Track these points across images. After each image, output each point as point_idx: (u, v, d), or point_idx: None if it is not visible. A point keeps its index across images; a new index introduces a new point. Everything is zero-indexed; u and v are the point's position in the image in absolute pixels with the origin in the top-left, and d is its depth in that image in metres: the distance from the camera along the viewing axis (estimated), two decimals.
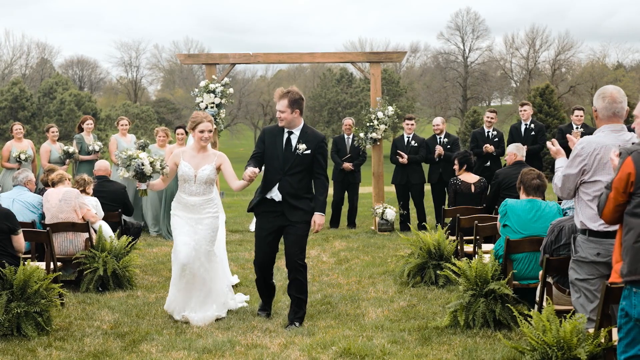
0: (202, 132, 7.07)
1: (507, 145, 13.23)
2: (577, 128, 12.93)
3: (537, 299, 6.11)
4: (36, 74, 68.11)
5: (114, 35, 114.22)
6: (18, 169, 13.03)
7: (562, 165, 5.47)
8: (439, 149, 12.85)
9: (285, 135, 6.84)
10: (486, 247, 8.28)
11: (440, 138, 13.25)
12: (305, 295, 7.00)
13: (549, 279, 6.03)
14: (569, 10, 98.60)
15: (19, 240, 7.00)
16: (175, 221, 7.22)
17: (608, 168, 5.02)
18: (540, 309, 5.88)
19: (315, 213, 6.84)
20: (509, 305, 6.46)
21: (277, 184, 6.81)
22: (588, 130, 13.02)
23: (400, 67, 72.97)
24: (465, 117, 55.35)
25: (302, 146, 6.77)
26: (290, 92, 6.78)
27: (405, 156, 13.04)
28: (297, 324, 6.84)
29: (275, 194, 6.83)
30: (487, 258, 7.02)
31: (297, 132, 6.84)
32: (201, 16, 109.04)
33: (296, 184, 6.79)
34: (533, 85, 55.91)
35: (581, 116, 13.10)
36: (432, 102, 66.79)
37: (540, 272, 6.13)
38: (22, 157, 13.08)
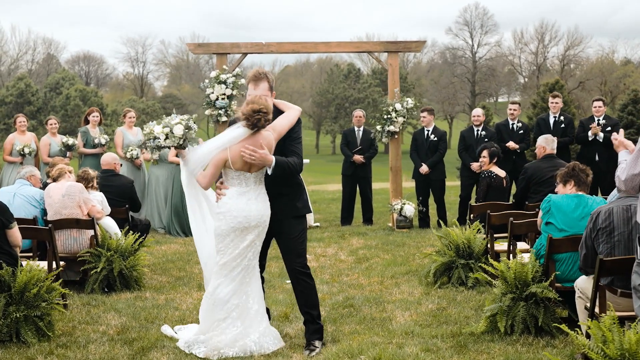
0: None
1: (532, 138, 12.73)
2: (598, 121, 12.33)
3: (588, 304, 5.54)
4: (42, 69, 67.84)
5: (120, 31, 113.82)
6: (21, 163, 12.55)
7: (626, 158, 4.89)
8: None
9: None
10: (519, 245, 7.73)
11: (478, 130, 12.69)
12: (317, 308, 5.97)
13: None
14: (575, 7, 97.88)
15: (14, 235, 6.41)
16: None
17: None
18: (592, 315, 5.31)
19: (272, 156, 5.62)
20: (554, 310, 5.91)
21: None
22: (611, 122, 12.46)
23: (408, 63, 72.35)
24: (484, 115, 54.71)
25: None
26: (267, 72, 5.88)
27: (426, 168, 12.55)
28: (316, 343, 5.86)
29: None
30: (525, 258, 6.46)
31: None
32: (207, 12, 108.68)
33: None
34: (542, 80, 55.24)
35: (600, 107, 12.50)
36: (440, 97, 66.16)
37: (579, 280, 5.61)
38: (26, 150, 12.57)
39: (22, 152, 12.59)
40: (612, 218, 5.35)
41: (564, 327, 4.92)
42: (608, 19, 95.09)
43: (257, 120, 5.59)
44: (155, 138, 5.77)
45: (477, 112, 12.99)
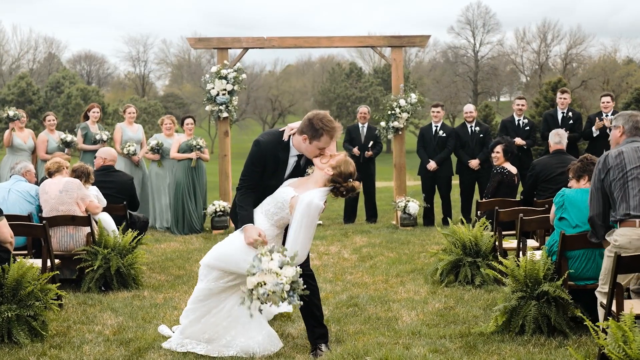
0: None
1: (540, 135, 12.51)
2: (606, 115, 12.06)
3: (602, 301, 5.30)
4: (44, 68, 67.58)
5: (122, 31, 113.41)
6: (7, 123, 12.37)
7: None
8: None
9: (294, 158, 5.69)
10: (528, 243, 7.49)
11: (471, 127, 12.47)
12: (321, 310, 5.76)
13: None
14: (577, 6, 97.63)
15: (1, 230, 6.10)
16: None
17: None
18: (609, 314, 5.07)
19: None
20: (568, 309, 5.67)
21: None
22: None
23: (410, 62, 72.09)
24: (477, 111, 54.45)
25: (312, 169, 5.69)
26: None
27: (434, 164, 12.29)
28: (323, 347, 5.63)
29: None
30: (537, 255, 6.22)
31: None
32: (209, 12, 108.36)
33: None
34: (544, 79, 54.98)
35: (608, 102, 12.22)
36: (442, 97, 65.87)
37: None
38: (11, 113, 12.35)
39: (9, 117, 12.34)
40: (623, 156, 5.26)
41: (588, 323, 4.68)
42: (610, 18, 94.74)
43: (348, 196, 5.51)
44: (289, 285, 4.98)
45: (469, 108, 12.75)
